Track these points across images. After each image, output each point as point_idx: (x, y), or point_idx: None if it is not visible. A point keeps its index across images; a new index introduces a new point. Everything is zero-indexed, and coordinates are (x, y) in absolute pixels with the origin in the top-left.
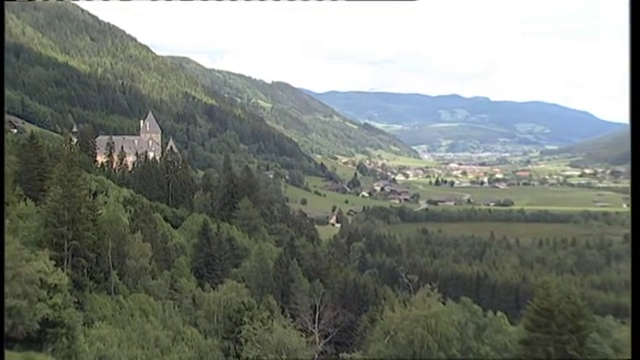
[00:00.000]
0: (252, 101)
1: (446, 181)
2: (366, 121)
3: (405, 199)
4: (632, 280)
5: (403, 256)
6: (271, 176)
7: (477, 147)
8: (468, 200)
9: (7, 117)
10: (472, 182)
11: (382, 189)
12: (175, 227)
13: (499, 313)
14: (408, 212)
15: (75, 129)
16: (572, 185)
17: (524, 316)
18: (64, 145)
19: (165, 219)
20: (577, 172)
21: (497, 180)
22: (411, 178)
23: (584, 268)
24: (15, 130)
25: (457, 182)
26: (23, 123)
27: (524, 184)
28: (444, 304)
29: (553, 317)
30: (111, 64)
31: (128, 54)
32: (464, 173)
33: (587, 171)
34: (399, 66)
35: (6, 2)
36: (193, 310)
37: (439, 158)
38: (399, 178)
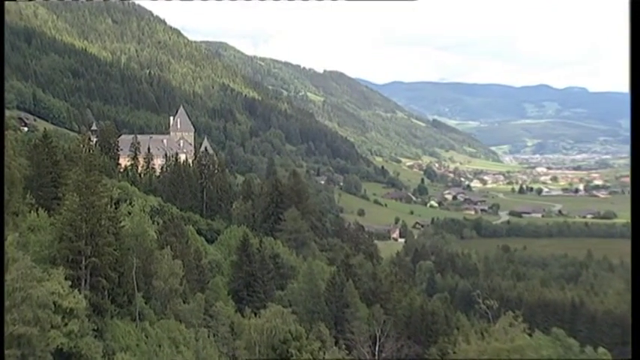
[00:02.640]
0: (300, 94)
1: (532, 189)
2: (435, 117)
3: (482, 210)
4: (632, 281)
5: (480, 278)
6: (323, 182)
7: (571, 147)
8: (560, 212)
9: (17, 113)
10: (564, 190)
11: (454, 198)
12: (210, 242)
13: (600, 350)
14: (485, 225)
15: (94, 127)
16: None
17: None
18: (81, 145)
19: (199, 232)
20: None
21: (596, 187)
22: (489, 185)
23: None
24: (25, 129)
25: (546, 190)
26: (35, 120)
27: None
28: (530, 335)
29: None
30: (136, 50)
31: (156, 39)
32: (554, 179)
33: None
34: (474, 51)
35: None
36: (231, 340)
37: (523, 161)
38: (475, 184)
